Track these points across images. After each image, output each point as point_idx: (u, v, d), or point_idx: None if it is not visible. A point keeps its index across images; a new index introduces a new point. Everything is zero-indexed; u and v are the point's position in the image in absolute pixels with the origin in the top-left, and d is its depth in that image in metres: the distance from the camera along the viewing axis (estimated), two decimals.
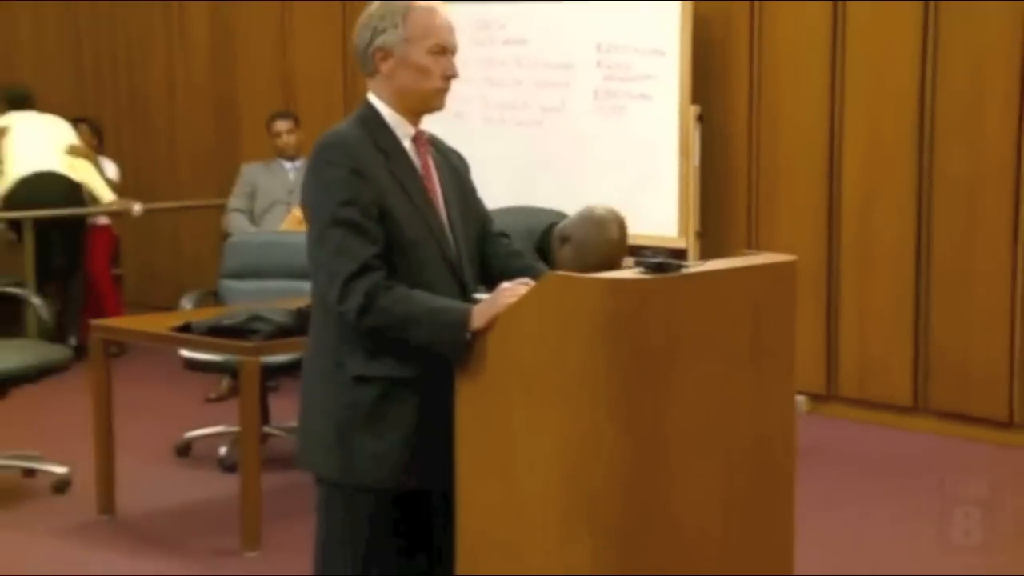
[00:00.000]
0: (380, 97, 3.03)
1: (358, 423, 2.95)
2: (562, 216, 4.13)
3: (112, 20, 9.81)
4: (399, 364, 2.92)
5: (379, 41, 2.99)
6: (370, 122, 3.01)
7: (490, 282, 3.11)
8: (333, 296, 2.88)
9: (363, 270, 2.85)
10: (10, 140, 8.01)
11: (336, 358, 2.97)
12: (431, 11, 3.01)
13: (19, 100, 8.31)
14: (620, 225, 3.96)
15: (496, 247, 3.24)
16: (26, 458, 5.85)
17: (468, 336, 2.82)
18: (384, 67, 3.00)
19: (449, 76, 3.01)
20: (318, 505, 3.09)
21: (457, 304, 2.91)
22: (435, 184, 3.06)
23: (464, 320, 2.83)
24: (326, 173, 2.93)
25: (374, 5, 3.04)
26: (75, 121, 8.47)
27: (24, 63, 10.00)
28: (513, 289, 2.85)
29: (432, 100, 3.03)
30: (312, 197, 2.97)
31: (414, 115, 3.05)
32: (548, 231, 4.07)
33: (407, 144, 3.04)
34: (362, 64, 3.05)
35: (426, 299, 2.88)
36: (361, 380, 2.94)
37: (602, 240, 3.92)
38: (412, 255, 2.95)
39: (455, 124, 5.76)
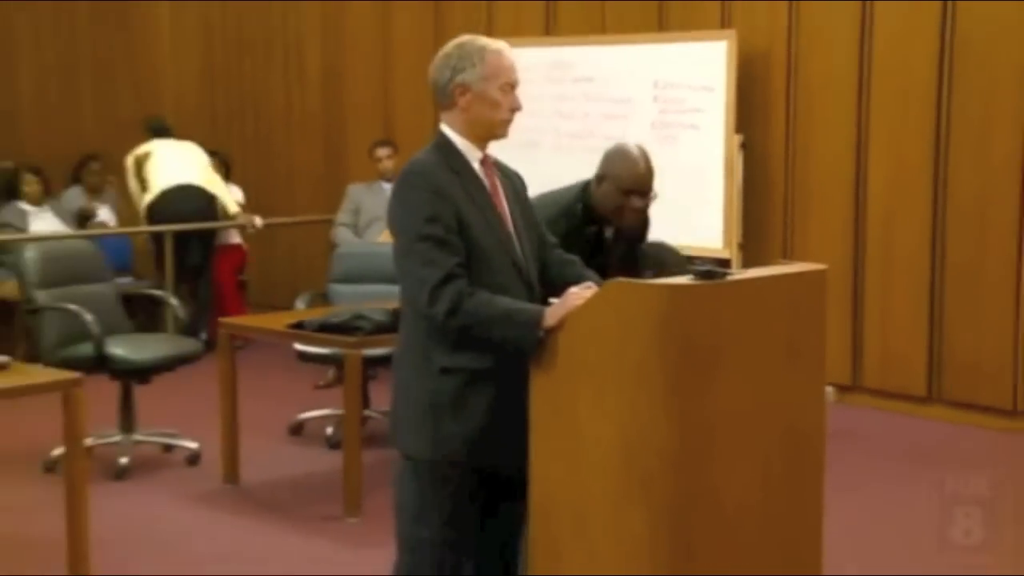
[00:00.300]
0: (452, 127, 3.02)
1: (443, 408, 2.93)
2: (587, 182, 4.04)
3: (240, 64, 9.90)
4: (479, 357, 2.90)
5: (459, 79, 2.98)
6: (444, 149, 3.01)
7: (545, 286, 3.09)
8: (423, 301, 2.86)
9: (448, 278, 2.84)
10: (153, 162, 8.08)
11: (424, 353, 2.95)
12: (501, 53, 3.01)
13: (160, 130, 8.41)
14: (645, 156, 3.93)
15: (552, 255, 3.22)
16: (165, 435, 5.91)
17: (541, 334, 2.80)
18: (462, 101, 2.99)
19: (514, 109, 3.01)
20: (402, 478, 3.05)
21: (531, 306, 2.89)
22: (501, 199, 3.05)
23: (538, 320, 2.81)
24: (411, 196, 2.92)
25: (449, 46, 3.04)
26: (208, 154, 8.53)
27: (166, 105, 10.10)
28: (580, 293, 2.84)
29: (499, 129, 3.02)
30: (398, 217, 2.96)
31: (482, 142, 3.04)
32: (585, 189, 3.97)
33: (476, 166, 3.03)
34: (440, 97, 3.04)
35: (504, 302, 2.86)
36: (446, 371, 2.92)
37: (632, 172, 3.89)
38: (486, 261, 2.93)
39: (529, 151, 5.78)
